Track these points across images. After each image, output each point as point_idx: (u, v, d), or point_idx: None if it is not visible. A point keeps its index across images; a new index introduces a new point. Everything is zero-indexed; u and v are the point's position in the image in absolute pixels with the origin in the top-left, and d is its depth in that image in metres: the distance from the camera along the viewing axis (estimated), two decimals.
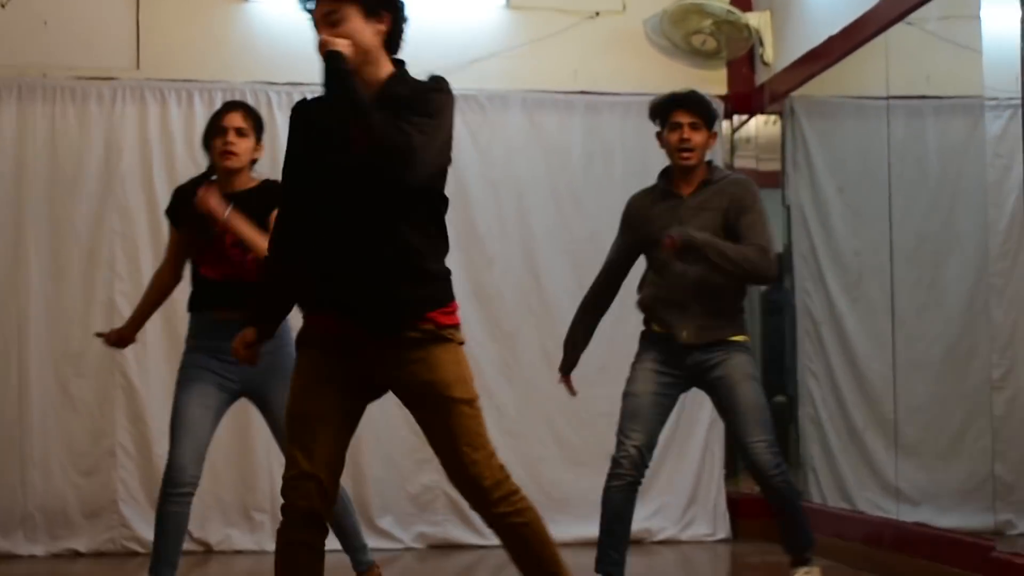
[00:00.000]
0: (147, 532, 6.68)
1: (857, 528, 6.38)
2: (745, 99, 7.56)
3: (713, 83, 7.42)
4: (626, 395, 5.01)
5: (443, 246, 3.59)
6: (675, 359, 4.96)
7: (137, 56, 7.21)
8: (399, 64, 3.57)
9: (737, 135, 7.64)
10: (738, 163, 7.60)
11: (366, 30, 3.46)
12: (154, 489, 6.67)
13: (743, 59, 7.50)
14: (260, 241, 4.54)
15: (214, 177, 4.87)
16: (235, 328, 4.15)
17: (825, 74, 6.73)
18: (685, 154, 4.92)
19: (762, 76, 7.50)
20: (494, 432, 7.36)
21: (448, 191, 7.92)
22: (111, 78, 7.14)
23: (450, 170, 7.97)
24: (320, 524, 3.49)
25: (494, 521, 3.54)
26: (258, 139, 4.89)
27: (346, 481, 6.85)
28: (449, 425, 3.48)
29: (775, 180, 7.38)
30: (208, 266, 4.78)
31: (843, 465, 6.62)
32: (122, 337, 5.09)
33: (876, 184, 6.16)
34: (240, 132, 4.81)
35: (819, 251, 6.91)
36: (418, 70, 7.79)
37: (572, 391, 5.22)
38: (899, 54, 5.98)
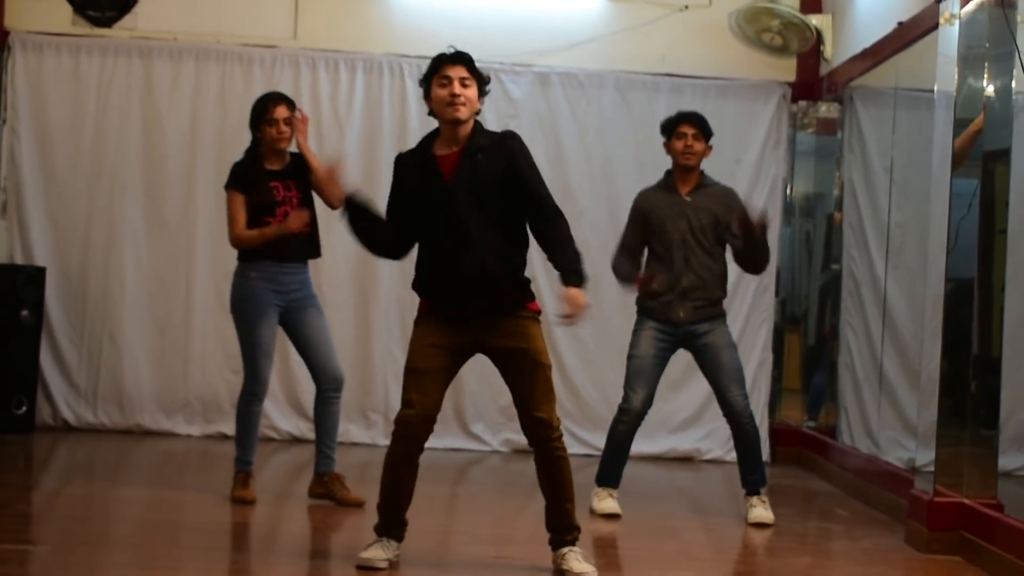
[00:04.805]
0: (282, 422, 7.91)
1: (850, 462, 7.28)
2: (809, 87, 8.35)
3: (782, 71, 8.33)
4: (631, 357, 6.08)
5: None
6: (671, 328, 6.04)
7: (295, 27, 8.18)
8: (477, 121, 4.75)
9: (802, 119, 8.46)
10: (800, 140, 8.45)
11: (477, 100, 4.69)
12: (292, 387, 7.93)
13: (810, 51, 8.22)
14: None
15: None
16: (284, 269, 5.77)
17: (880, 68, 7.33)
18: (687, 155, 6.01)
19: (824, 68, 8.25)
20: (574, 360, 8.47)
21: (548, 155, 9.13)
22: (272, 46, 8.13)
23: (551, 136, 9.24)
24: (419, 449, 4.77)
25: (547, 452, 4.75)
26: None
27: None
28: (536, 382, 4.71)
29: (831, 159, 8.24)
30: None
31: (870, 407, 7.31)
32: None
33: (921, 166, 6.50)
34: (287, 122, 5.91)
35: (865, 222, 7.56)
36: (527, 51, 8.99)
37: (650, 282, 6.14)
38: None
